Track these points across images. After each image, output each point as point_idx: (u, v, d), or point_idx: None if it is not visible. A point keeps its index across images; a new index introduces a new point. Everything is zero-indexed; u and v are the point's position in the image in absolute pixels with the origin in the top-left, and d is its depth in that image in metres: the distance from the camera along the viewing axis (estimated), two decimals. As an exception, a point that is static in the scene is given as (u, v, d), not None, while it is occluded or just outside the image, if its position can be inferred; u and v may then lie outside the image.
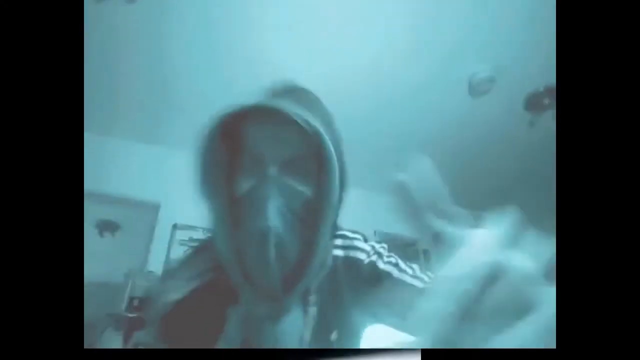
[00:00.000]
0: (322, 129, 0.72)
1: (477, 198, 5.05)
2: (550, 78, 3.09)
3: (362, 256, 0.89)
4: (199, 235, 3.58)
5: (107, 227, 5.17)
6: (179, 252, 3.49)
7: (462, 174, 4.35)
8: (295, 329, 0.79)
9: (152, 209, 3.81)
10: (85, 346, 0.71)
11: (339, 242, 0.91)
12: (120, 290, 2.77)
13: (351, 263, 0.88)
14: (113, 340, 2.57)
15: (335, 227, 0.84)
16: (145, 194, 3.78)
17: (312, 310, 0.81)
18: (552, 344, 0.50)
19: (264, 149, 0.75)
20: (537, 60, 2.96)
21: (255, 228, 0.71)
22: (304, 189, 0.75)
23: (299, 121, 0.70)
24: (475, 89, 3.14)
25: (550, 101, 3.23)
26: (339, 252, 0.89)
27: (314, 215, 0.75)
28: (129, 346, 2.49)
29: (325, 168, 0.73)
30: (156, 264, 3.37)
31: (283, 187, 0.73)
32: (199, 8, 2.60)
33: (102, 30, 2.74)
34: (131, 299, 2.68)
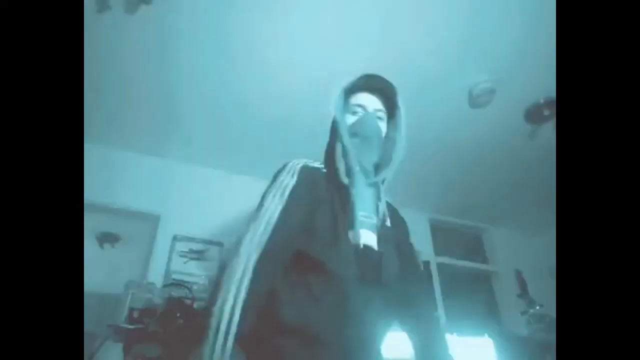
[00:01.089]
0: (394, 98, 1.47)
1: (478, 209, 5.07)
2: (551, 90, 3.10)
3: None
4: (199, 246, 3.58)
5: (107, 238, 5.17)
6: (179, 264, 3.48)
7: (462, 185, 4.35)
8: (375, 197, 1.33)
9: (152, 221, 3.80)
10: (85, 357, 0.71)
11: None
12: (120, 302, 2.75)
13: None
14: (113, 352, 2.56)
15: None
16: (145, 206, 3.77)
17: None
18: None
19: (367, 104, 1.43)
20: (537, 72, 2.97)
21: (363, 139, 1.35)
22: (387, 115, 1.46)
23: (384, 87, 1.46)
24: (476, 101, 3.15)
25: (550, 113, 3.23)
26: None
27: (391, 141, 1.39)
28: (129, 358, 2.47)
29: (397, 113, 1.44)
30: (156, 276, 3.36)
31: (376, 117, 1.42)
32: (202, 18, 2.62)
33: (103, 41, 2.75)
34: (131, 310, 2.67)
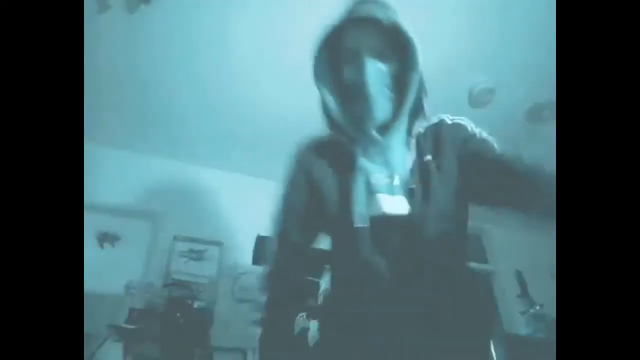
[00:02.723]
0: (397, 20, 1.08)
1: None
2: (551, 90, 3.09)
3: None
4: (199, 246, 3.58)
5: (107, 238, 5.15)
6: (179, 264, 3.48)
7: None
8: (399, 152, 1.11)
9: (153, 221, 3.80)
10: (85, 357, 0.71)
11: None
12: (120, 302, 2.75)
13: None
14: (113, 352, 2.56)
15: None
16: (145, 206, 3.77)
17: (412, 141, 1.16)
18: None
19: (359, 45, 1.09)
20: (538, 73, 2.97)
21: (360, 98, 1.07)
22: (393, 68, 1.11)
23: (382, 20, 1.08)
24: (476, 101, 3.15)
25: (550, 113, 3.23)
26: None
27: (402, 84, 1.11)
28: (129, 358, 2.47)
29: (405, 47, 1.09)
30: (156, 276, 3.36)
31: (376, 70, 1.07)
32: (202, 18, 2.62)
33: (104, 40, 2.75)
34: (131, 310, 2.67)
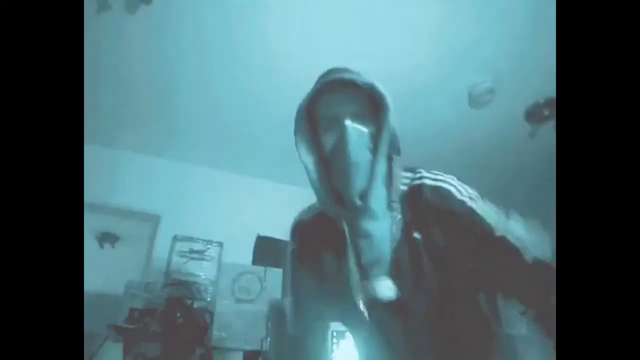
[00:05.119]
0: (382, 89, 1.07)
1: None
2: (551, 89, 3.10)
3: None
4: (199, 246, 3.58)
5: (107, 238, 5.16)
6: (179, 264, 3.48)
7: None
8: (382, 228, 1.06)
9: (152, 221, 3.80)
10: (85, 357, 0.71)
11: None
12: (120, 302, 2.75)
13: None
14: (113, 352, 2.56)
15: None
16: (145, 205, 3.77)
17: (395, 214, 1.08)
18: None
19: (336, 110, 1.07)
20: (538, 72, 2.98)
21: (342, 164, 1.04)
22: (370, 129, 1.08)
23: (356, 81, 1.07)
24: (476, 101, 3.15)
25: (550, 112, 3.23)
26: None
27: (378, 143, 1.07)
28: (129, 358, 2.47)
29: (381, 108, 1.09)
30: (156, 276, 3.36)
31: (355, 131, 1.04)
32: (202, 18, 2.62)
33: (104, 40, 2.75)
34: (131, 310, 2.67)
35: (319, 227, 1.19)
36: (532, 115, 3.34)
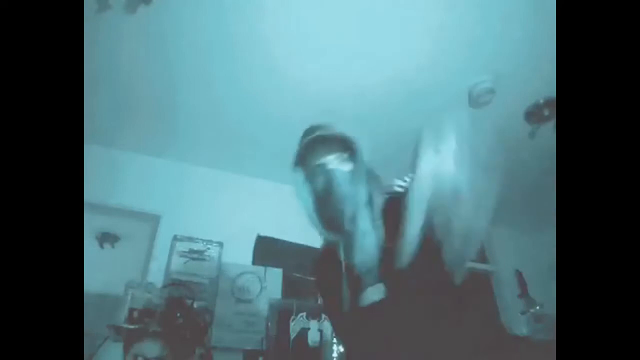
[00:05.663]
0: (352, 137, 1.36)
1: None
2: (551, 90, 3.10)
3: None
4: (199, 246, 3.58)
5: (107, 238, 5.16)
6: (179, 264, 3.48)
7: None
8: (371, 241, 1.26)
9: (152, 221, 3.80)
10: (85, 357, 0.71)
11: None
12: (120, 302, 2.75)
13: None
14: (113, 352, 2.56)
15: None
16: (145, 206, 3.77)
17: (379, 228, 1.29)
18: None
19: (321, 159, 1.37)
20: (538, 72, 2.98)
21: (332, 199, 1.31)
22: (349, 168, 1.34)
23: (333, 135, 1.37)
24: (476, 100, 3.15)
25: (550, 113, 3.24)
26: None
27: (357, 177, 1.33)
28: (129, 358, 2.47)
29: (354, 150, 1.35)
30: (156, 276, 3.37)
31: (338, 172, 1.33)
32: (202, 18, 2.62)
33: (104, 40, 2.75)
34: (131, 310, 2.67)
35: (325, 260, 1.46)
36: (532, 115, 3.34)
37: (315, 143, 1.38)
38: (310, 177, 1.39)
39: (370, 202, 1.32)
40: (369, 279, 1.24)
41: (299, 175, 1.41)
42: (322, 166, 1.36)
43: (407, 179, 1.37)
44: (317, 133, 1.39)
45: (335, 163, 1.35)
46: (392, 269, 1.19)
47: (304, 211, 1.38)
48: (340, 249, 1.33)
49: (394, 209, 1.27)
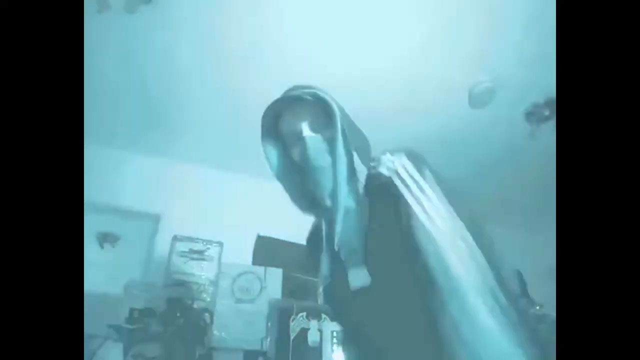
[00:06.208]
0: (326, 97, 1.20)
1: (477, 208, 5.03)
2: (551, 90, 3.10)
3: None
4: (199, 246, 3.58)
5: (107, 238, 5.15)
6: (179, 264, 3.48)
7: (462, 185, 4.34)
8: (354, 220, 1.16)
9: (153, 221, 3.80)
10: (85, 357, 0.71)
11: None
12: (120, 302, 2.75)
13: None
14: (113, 352, 2.56)
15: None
16: (145, 206, 3.78)
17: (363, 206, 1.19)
18: None
19: (295, 125, 1.23)
20: (538, 73, 2.97)
21: (309, 171, 1.21)
22: (326, 135, 1.20)
23: (303, 95, 1.21)
24: (476, 101, 3.15)
25: (550, 112, 3.24)
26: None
27: (334, 146, 1.16)
28: (129, 358, 2.47)
29: (332, 119, 1.18)
30: (156, 275, 3.37)
31: (313, 140, 1.20)
32: (202, 18, 2.62)
33: (103, 41, 2.75)
34: (131, 310, 2.67)
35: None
36: (532, 115, 3.34)
37: (288, 106, 1.25)
38: (284, 148, 1.28)
39: (352, 176, 1.19)
40: (354, 260, 1.16)
41: (271, 149, 1.30)
42: (297, 133, 1.22)
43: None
44: (283, 94, 1.26)
45: (307, 130, 1.21)
46: (379, 253, 1.15)
47: (284, 189, 1.30)
48: (323, 224, 1.27)
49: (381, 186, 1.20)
